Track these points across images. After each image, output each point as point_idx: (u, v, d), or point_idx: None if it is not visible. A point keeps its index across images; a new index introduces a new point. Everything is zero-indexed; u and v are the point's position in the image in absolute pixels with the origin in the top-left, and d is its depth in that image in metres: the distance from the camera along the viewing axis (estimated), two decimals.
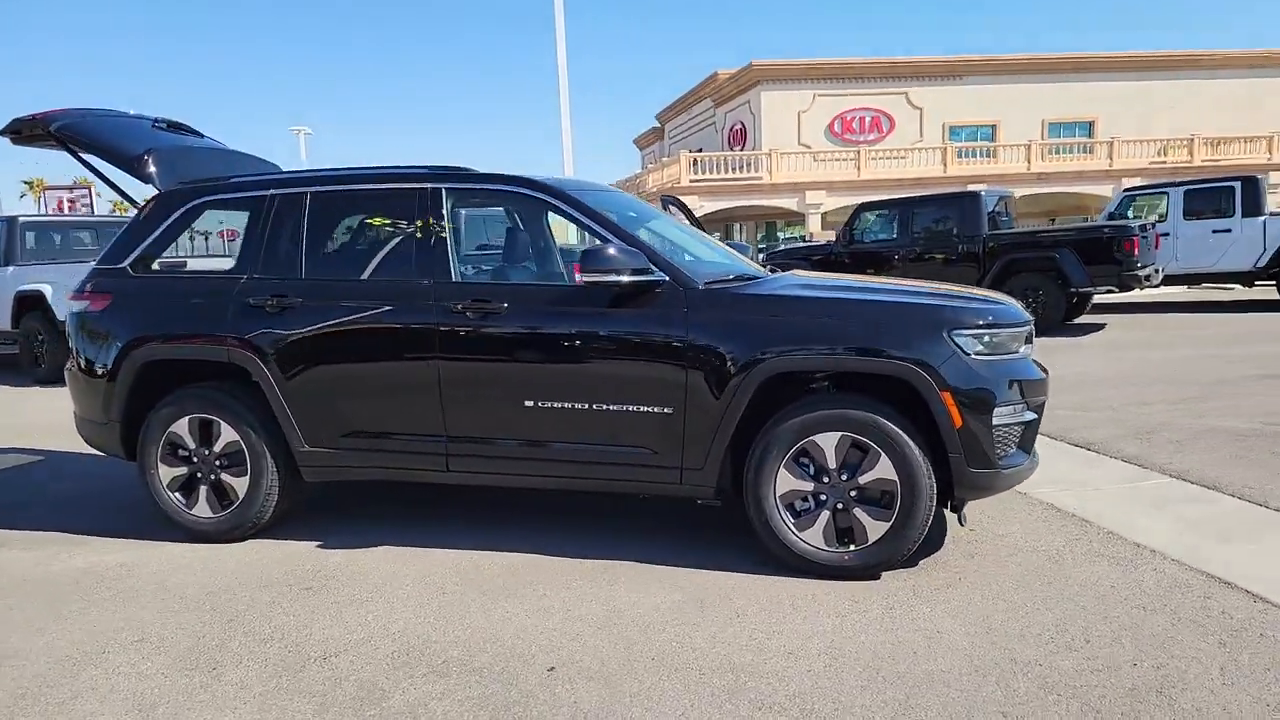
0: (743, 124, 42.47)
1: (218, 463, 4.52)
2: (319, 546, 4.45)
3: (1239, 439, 5.88)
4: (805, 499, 3.86)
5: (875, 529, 3.77)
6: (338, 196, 4.61)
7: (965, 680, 2.95)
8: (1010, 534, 4.32)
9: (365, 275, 4.41)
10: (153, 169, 4.81)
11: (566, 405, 4.06)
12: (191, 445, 4.53)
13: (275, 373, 4.35)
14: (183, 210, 4.72)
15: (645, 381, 3.96)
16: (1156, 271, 12.44)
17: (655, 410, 3.95)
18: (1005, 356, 3.82)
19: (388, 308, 4.26)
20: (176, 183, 4.87)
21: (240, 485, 4.48)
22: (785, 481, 3.85)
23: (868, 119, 40.66)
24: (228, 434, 4.46)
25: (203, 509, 4.54)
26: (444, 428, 4.23)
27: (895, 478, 3.73)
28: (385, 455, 4.36)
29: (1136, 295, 15.21)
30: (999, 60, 40.24)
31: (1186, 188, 14.19)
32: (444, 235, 4.29)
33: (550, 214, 4.59)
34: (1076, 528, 4.37)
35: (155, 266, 4.77)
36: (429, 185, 4.39)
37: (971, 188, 18.09)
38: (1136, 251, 11.27)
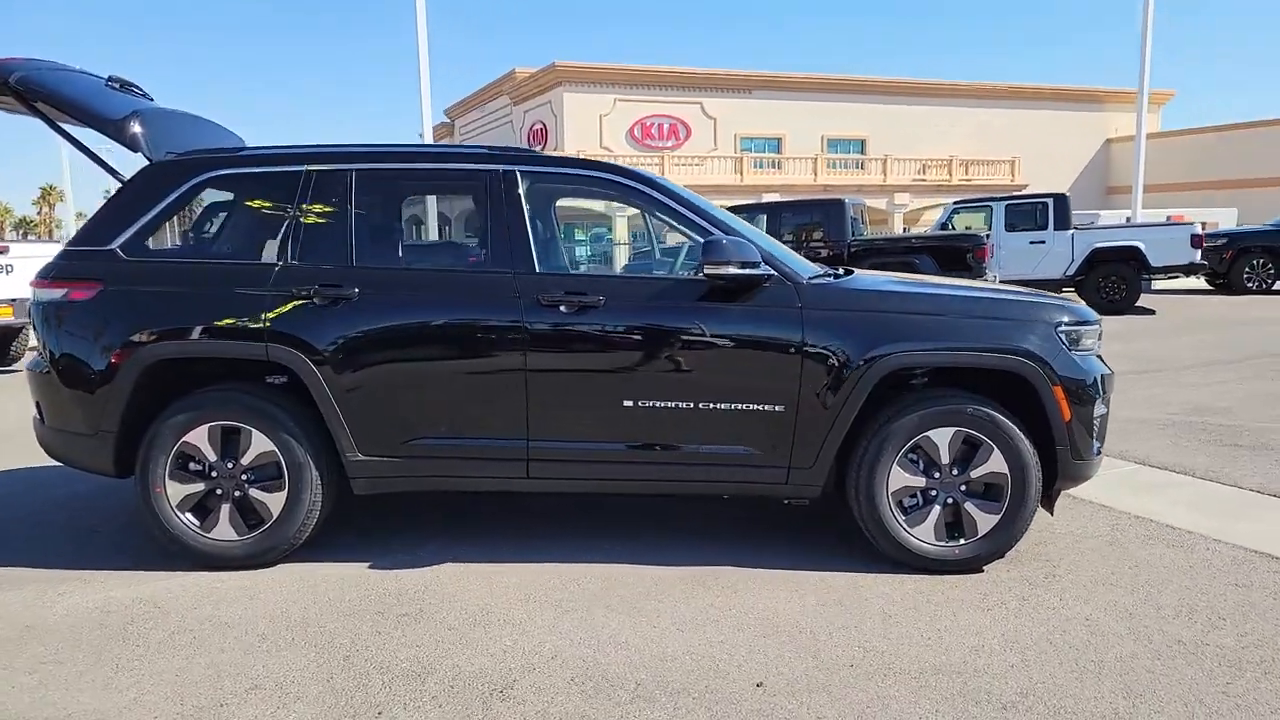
0: (543, 124, 42.33)
1: (244, 477, 3.91)
2: (371, 568, 3.96)
3: (1164, 429, 6.53)
4: (914, 495, 3.89)
5: (985, 522, 3.86)
6: (389, 176, 4.13)
7: (1160, 664, 3.06)
8: (1051, 522, 4.55)
9: (432, 263, 3.97)
10: (140, 134, 4.09)
11: (670, 404, 3.85)
12: (210, 458, 3.89)
13: (327, 372, 3.82)
14: (189, 184, 4.03)
15: (757, 378, 3.84)
16: (994, 278, 13.65)
17: (765, 408, 3.84)
18: (1092, 353, 4.03)
19: (465, 300, 3.86)
20: (167, 152, 4.17)
21: (274, 502, 3.90)
22: (898, 478, 3.85)
23: (666, 126, 41.75)
24: (259, 443, 3.87)
25: (224, 531, 3.91)
26: (526, 431, 3.88)
27: (1006, 471, 3.82)
28: (457, 463, 3.94)
29: None
30: (784, 78, 42.55)
31: (1007, 203, 15.71)
32: (524, 223, 3.94)
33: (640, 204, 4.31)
34: (1104, 513, 4.67)
35: (151, 248, 4.06)
36: (500, 167, 4.02)
37: (836, 196, 19.07)
38: (986, 259, 12.30)
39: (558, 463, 3.92)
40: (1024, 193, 23.30)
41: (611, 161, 4.18)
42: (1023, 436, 3.81)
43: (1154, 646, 3.19)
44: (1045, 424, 3.84)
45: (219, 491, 3.92)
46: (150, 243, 4.03)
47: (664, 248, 4.08)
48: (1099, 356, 4.24)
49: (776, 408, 3.83)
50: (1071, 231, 15.19)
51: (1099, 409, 3.95)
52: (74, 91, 4.08)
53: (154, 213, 4.01)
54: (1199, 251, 14.64)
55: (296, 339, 3.82)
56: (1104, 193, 45.20)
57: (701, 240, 3.99)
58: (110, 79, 4.49)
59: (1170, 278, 15.44)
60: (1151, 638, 3.26)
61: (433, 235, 4.26)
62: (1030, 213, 15.46)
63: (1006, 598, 3.63)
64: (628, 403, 3.86)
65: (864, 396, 3.79)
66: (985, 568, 3.92)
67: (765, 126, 42.32)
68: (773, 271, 3.85)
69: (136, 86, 4.69)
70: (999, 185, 40.26)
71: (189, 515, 3.91)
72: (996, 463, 3.83)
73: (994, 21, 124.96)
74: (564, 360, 3.85)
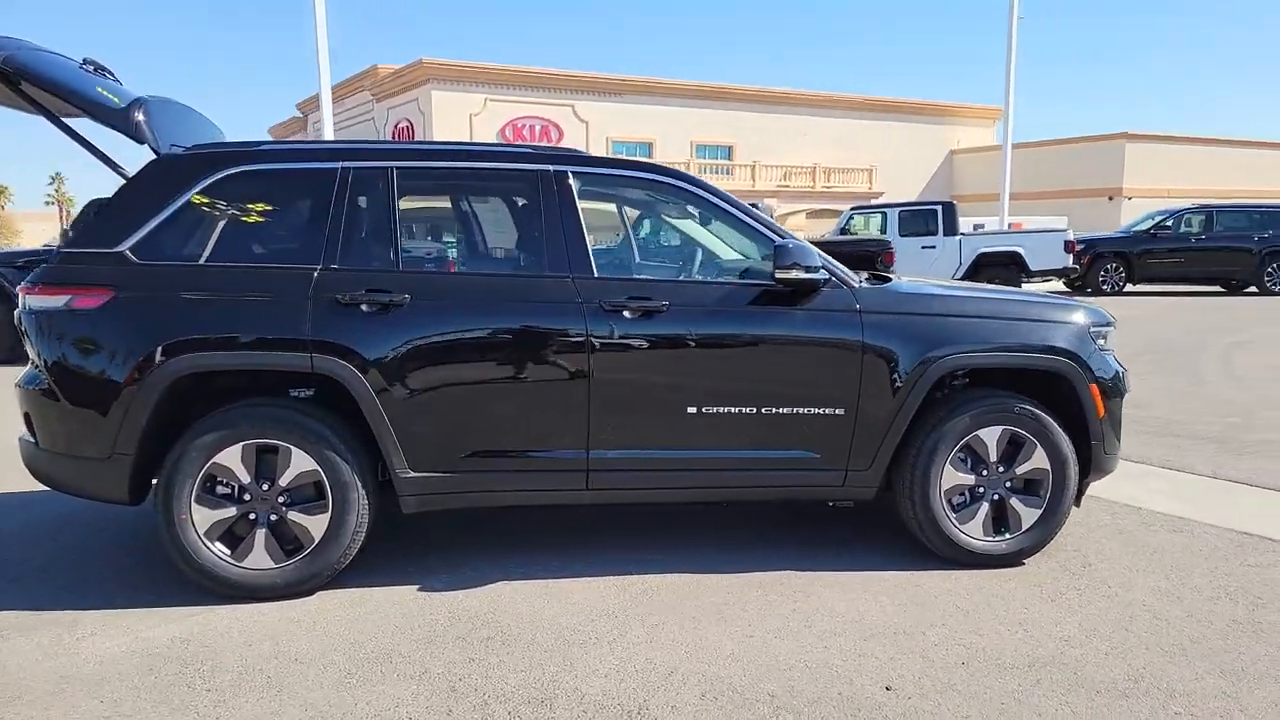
0: (410, 122, 41.28)
1: (280, 499, 3.60)
2: (421, 590, 3.73)
3: None
4: (963, 493, 3.99)
5: (1029, 516, 4.01)
6: (432, 175, 3.90)
7: (1230, 642, 3.26)
8: None
9: (484, 268, 3.78)
10: (144, 123, 3.71)
11: (734, 410, 3.81)
12: (243, 479, 3.56)
13: (377, 384, 3.57)
14: (211, 180, 3.67)
15: (818, 382, 3.85)
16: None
17: (827, 412, 3.86)
18: (1111, 352, 4.25)
19: (524, 306, 3.70)
20: (172, 145, 3.80)
21: (315, 525, 3.61)
22: (950, 477, 3.95)
23: (538, 127, 41.53)
24: (300, 462, 3.57)
25: (259, 559, 3.59)
26: (586, 441, 3.75)
27: (1048, 467, 3.99)
28: (513, 476, 3.77)
29: None
30: (655, 83, 43.17)
31: (901, 209, 16.45)
32: (580, 225, 3.81)
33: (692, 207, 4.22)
34: (1098, 503, 4.90)
35: (168, 251, 3.67)
36: (551, 168, 3.87)
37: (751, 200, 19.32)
38: (893, 263, 12.83)
39: (619, 473, 3.81)
40: (916, 200, 24.43)
41: (668, 165, 4.09)
42: (1062, 433, 3.98)
43: (1217, 628, 3.39)
44: (1081, 420, 4.03)
45: (252, 516, 3.60)
46: (166, 245, 3.66)
47: (645, 246, 4.02)
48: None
49: (837, 410, 3.86)
50: (959, 237, 16.07)
51: (1123, 404, 4.18)
52: (65, 76, 3.66)
53: (169, 211, 3.64)
54: (1071, 256, 15.78)
55: (344, 349, 3.55)
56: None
57: (752, 243, 3.99)
58: (85, 61, 4.05)
59: (1045, 280, 16.57)
60: (1210, 620, 3.46)
61: (503, 238, 4.06)
62: (922, 218, 16.26)
63: (1062, 589, 3.77)
64: (691, 409, 3.79)
65: (920, 398, 3.87)
66: (1025, 561, 4.07)
67: (636, 131, 42.70)
68: (830, 275, 3.87)
69: (109, 70, 4.25)
70: (858, 193, 42.19)
71: (218, 544, 3.57)
72: (1039, 459, 3.98)
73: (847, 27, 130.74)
74: (628, 368, 3.74)
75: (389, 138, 41.05)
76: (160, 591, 3.69)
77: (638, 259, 4.45)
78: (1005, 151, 23.51)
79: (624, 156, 4.43)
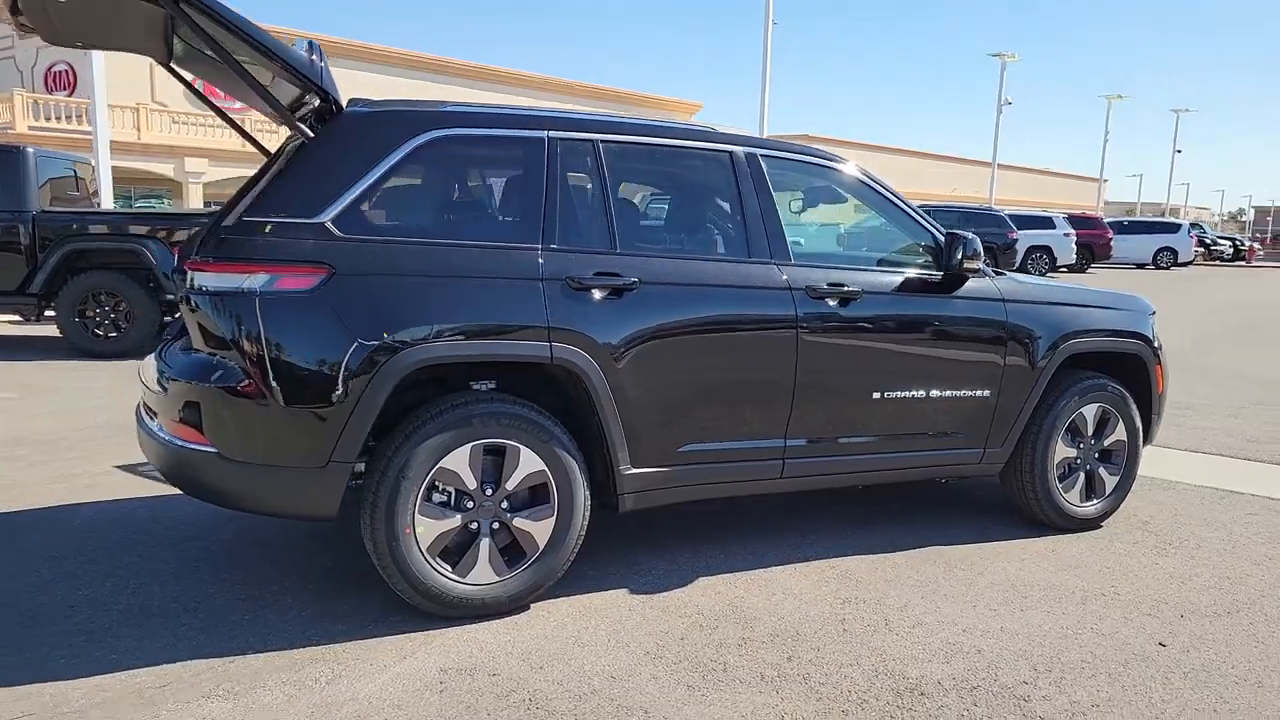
0: (70, 67, 35.52)
1: (504, 504, 3.24)
2: (636, 593, 3.52)
3: None
4: (1067, 465, 4.44)
5: (1110, 482, 4.54)
6: (634, 151, 3.62)
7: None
8: None
9: (697, 252, 3.61)
10: (324, 71, 3.13)
11: (910, 394, 3.97)
12: (469, 484, 3.16)
13: (611, 374, 3.31)
14: (414, 145, 3.16)
15: (976, 365, 4.10)
16: None
17: (977, 393, 4.12)
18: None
19: (741, 291, 3.59)
20: (352, 101, 3.25)
21: (540, 531, 3.28)
22: (1060, 451, 4.38)
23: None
24: (528, 462, 3.23)
25: (483, 573, 3.20)
26: (785, 429, 3.73)
27: (1125, 439, 4.54)
28: (720, 468, 3.65)
29: None
30: (353, 46, 39.14)
31: None
32: (776, 210, 3.75)
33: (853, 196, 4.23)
34: (1191, 495, 5.21)
35: (373, 224, 3.12)
36: (741, 150, 3.77)
37: None
38: None
39: (808, 460, 3.82)
40: None
41: (839, 155, 4.12)
42: (1135, 408, 4.55)
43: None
44: (1146, 397, 4.62)
45: (474, 525, 3.20)
46: (369, 217, 3.12)
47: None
48: None
49: (984, 392, 4.14)
50: None
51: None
52: (242, 20, 2.99)
53: (373, 178, 3.10)
54: None
55: (581, 336, 3.24)
56: None
57: (904, 233, 4.17)
58: None
59: None
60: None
61: (705, 221, 3.76)
62: None
63: (1162, 544, 4.30)
64: (876, 394, 3.89)
65: (1048, 380, 4.25)
66: (1110, 527, 4.56)
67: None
68: (980, 265, 4.13)
69: None
70: None
71: (438, 559, 3.14)
72: (1120, 432, 4.52)
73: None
74: (829, 355, 3.76)
75: (43, 84, 35.08)
76: (360, 620, 3.17)
77: (803, 244, 4.41)
78: None
79: (796, 143, 4.26)
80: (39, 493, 4.57)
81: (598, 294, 3.31)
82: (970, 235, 3.98)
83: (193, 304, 2.96)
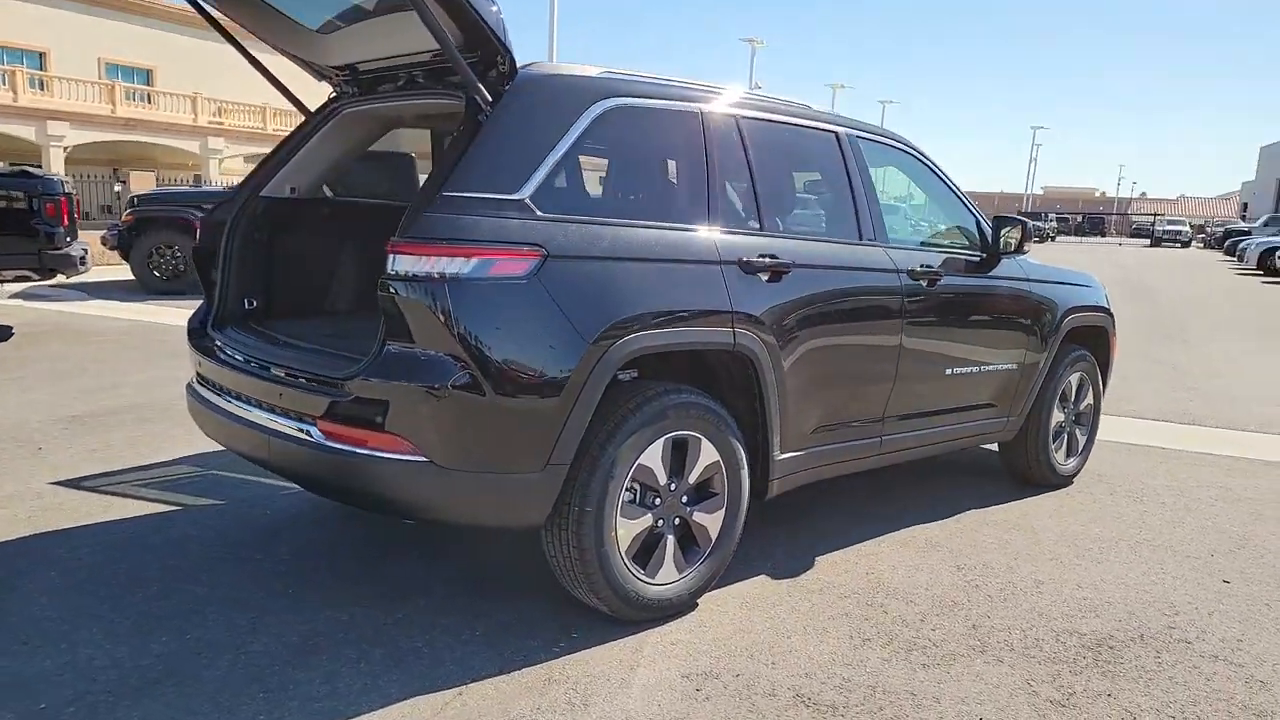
0: None
1: (684, 499, 3.09)
2: (772, 578, 3.49)
3: None
4: (1056, 428, 4.92)
5: (1081, 442, 5.09)
6: (766, 129, 3.49)
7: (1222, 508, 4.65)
8: None
9: (827, 233, 3.59)
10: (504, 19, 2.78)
11: (970, 370, 4.22)
12: (660, 480, 2.98)
13: (775, 359, 3.24)
14: (595, 115, 2.88)
15: (1012, 340, 4.43)
16: None
17: (1009, 366, 4.46)
18: None
19: (867, 273, 3.63)
20: (537, 66, 2.92)
21: (714, 523, 3.17)
22: (1055, 416, 4.85)
23: None
24: (707, 454, 3.10)
25: (668, 572, 3.05)
26: (885, 407, 3.85)
27: (1094, 402, 5.12)
28: (840, 447, 3.69)
29: None
30: None
31: None
32: (875, 193, 3.82)
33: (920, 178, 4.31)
34: (1108, 450, 5.88)
35: (565, 201, 2.80)
36: (841, 130, 3.79)
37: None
38: None
39: (899, 435, 3.96)
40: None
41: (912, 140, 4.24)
42: (1100, 373, 5.13)
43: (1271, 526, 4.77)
44: (1106, 363, 5.22)
45: (661, 523, 3.03)
46: (560, 194, 2.81)
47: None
48: None
49: (1013, 365, 4.48)
50: None
51: None
52: None
53: (561, 151, 2.79)
54: None
55: (754, 320, 3.13)
56: None
57: (949, 215, 4.40)
58: None
59: None
60: (1263, 516, 4.79)
61: (808, 200, 3.54)
62: None
63: (1142, 500, 4.84)
64: (949, 371, 4.10)
65: (1055, 352, 4.68)
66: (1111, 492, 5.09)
67: (22, 35, 33.86)
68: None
69: None
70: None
71: (633, 561, 2.95)
72: (1089, 397, 5.08)
73: None
74: (923, 334, 3.89)
75: None
76: (530, 630, 2.91)
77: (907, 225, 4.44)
78: None
79: (878, 127, 4.07)
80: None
81: (764, 277, 3.22)
82: (1022, 218, 4.28)
83: (392, 291, 2.54)
